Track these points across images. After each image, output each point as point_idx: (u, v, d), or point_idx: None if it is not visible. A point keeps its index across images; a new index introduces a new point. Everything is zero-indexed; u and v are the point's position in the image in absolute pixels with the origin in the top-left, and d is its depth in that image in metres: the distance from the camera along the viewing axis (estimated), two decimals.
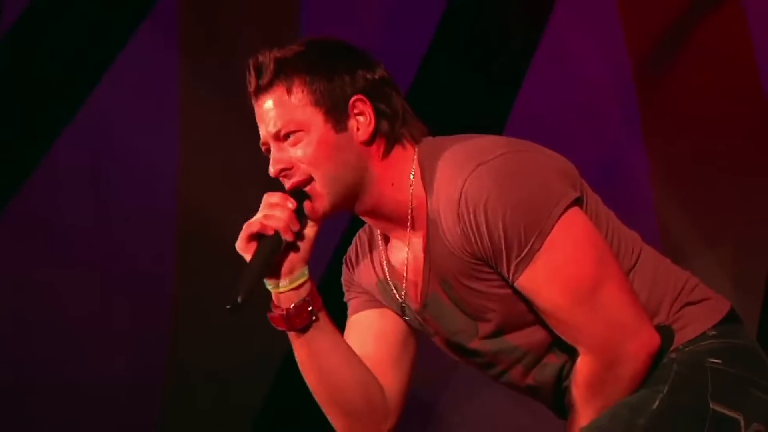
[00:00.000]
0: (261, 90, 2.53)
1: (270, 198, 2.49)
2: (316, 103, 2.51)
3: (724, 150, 5.64)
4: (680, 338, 2.54)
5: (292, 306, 2.52)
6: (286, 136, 2.51)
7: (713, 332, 2.55)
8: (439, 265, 2.53)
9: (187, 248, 5.09)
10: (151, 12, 4.94)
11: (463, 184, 2.44)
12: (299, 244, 2.50)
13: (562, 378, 2.57)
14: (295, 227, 2.48)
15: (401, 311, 2.64)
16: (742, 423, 2.48)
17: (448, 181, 2.47)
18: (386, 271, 2.64)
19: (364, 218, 2.62)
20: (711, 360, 2.52)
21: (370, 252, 2.69)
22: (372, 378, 2.63)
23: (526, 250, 2.42)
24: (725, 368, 2.51)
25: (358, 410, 2.63)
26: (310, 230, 2.52)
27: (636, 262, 2.57)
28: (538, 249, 2.41)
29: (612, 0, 5.69)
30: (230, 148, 5.05)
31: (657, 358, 2.51)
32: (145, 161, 4.99)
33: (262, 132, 2.55)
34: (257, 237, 2.46)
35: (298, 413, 5.23)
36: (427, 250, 2.53)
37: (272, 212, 2.46)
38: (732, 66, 5.73)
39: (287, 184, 2.53)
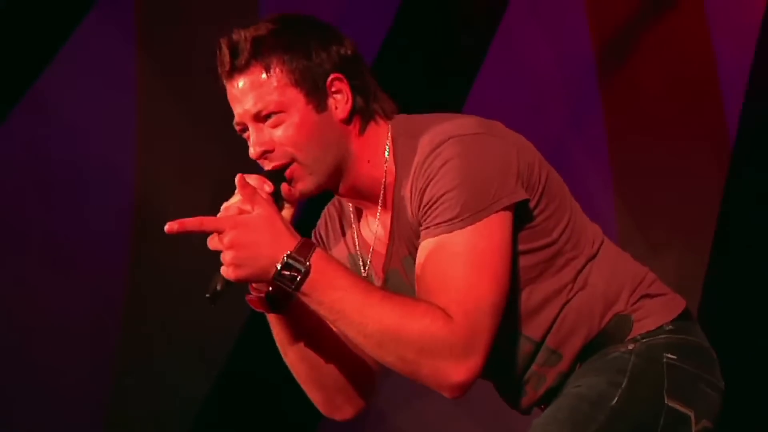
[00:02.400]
0: (236, 70, 2.49)
1: (247, 179, 2.42)
2: (296, 84, 2.48)
3: (681, 145, 5.71)
4: (637, 329, 2.56)
5: (270, 289, 2.50)
6: (266, 117, 2.48)
7: (670, 327, 2.58)
8: (403, 239, 2.53)
9: (142, 240, 5.06)
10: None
11: (433, 151, 2.44)
12: None
13: (526, 365, 2.58)
14: None
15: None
16: (693, 419, 2.51)
17: (422, 151, 2.47)
18: (357, 245, 2.64)
19: (339, 196, 2.61)
20: (667, 355, 2.54)
21: (341, 226, 2.69)
22: (349, 353, 2.63)
23: (454, 220, 2.40)
24: (680, 364, 2.54)
25: (336, 385, 2.64)
26: (286, 212, 2.50)
27: (596, 253, 2.58)
28: (464, 227, 2.40)
29: None
30: (188, 140, 5.02)
31: (609, 344, 2.53)
32: (102, 152, 4.95)
33: (237, 111, 2.51)
34: None
35: (245, 408, 5.24)
36: (393, 222, 2.54)
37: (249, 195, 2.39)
38: (690, 58, 5.78)
39: (267, 166, 2.50)
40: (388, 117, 2.57)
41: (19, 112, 4.81)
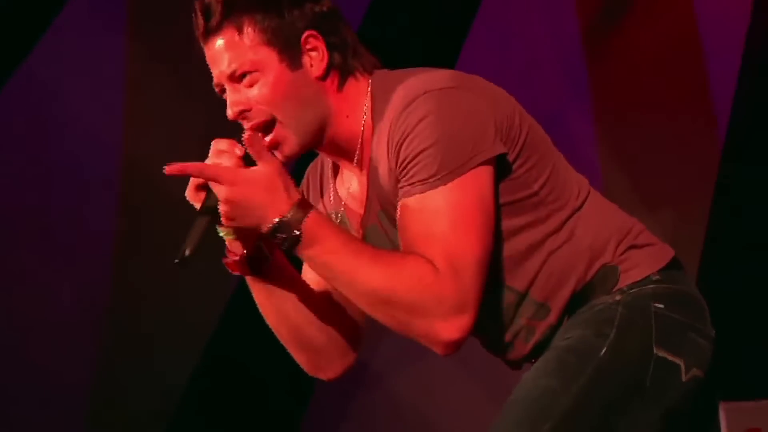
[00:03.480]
0: (210, 32, 2.48)
1: (218, 145, 2.43)
2: (269, 43, 2.47)
3: (665, 120, 5.71)
4: (624, 279, 2.54)
5: (245, 252, 2.49)
6: (241, 76, 2.47)
7: (657, 277, 2.55)
8: (379, 193, 2.52)
9: (130, 211, 5.05)
10: None
11: (407, 106, 2.43)
12: None
13: (512, 317, 2.56)
14: None
15: None
16: (683, 368, 2.49)
17: (395, 105, 2.46)
18: (334, 204, 2.63)
19: (318, 150, 2.59)
20: (655, 304, 2.52)
21: (321, 186, 2.68)
22: (331, 312, 2.62)
23: (433, 178, 2.39)
24: (668, 313, 2.52)
25: (320, 345, 2.63)
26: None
27: (582, 204, 2.57)
28: (443, 184, 2.39)
29: None
30: (175, 112, 5.01)
31: (596, 295, 2.52)
32: (90, 124, 4.94)
33: (214, 73, 2.50)
34: (205, 186, 2.41)
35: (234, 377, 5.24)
36: (369, 177, 2.53)
37: (219, 159, 2.41)
38: (676, 34, 5.78)
39: (246, 125, 2.48)
40: (369, 73, 2.55)
41: (5, 98, 4.81)
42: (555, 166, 2.55)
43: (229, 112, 2.49)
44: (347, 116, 2.52)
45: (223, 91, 2.52)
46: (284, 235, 2.36)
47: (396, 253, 2.43)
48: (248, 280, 2.56)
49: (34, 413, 4.92)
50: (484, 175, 2.41)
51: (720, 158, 5.71)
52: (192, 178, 2.42)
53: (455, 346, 2.40)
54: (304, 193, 2.70)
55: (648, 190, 5.63)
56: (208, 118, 4.57)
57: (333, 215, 2.64)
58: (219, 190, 2.36)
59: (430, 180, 2.39)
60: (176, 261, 2.36)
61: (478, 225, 2.40)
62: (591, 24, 5.78)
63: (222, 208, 2.37)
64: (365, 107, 2.52)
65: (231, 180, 2.36)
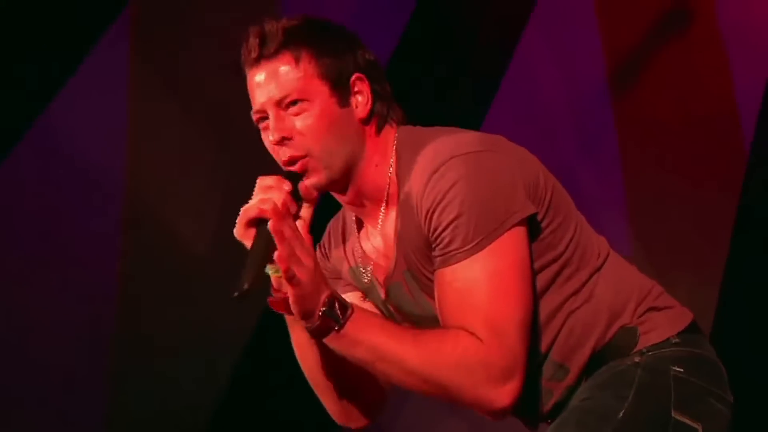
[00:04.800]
0: (264, 57, 2.51)
1: (264, 181, 2.43)
2: (323, 76, 2.50)
3: (696, 172, 5.71)
4: (644, 341, 2.54)
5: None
6: (290, 104, 2.50)
7: (677, 340, 2.55)
8: (406, 254, 2.52)
9: (133, 243, 5.06)
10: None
11: (435, 171, 2.44)
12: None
13: (534, 379, 2.54)
14: (293, 209, 2.43)
15: (371, 297, 2.64)
16: None
17: (423, 168, 2.47)
18: (357, 258, 2.64)
19: (342, 200, 2.60)
20: (674, 368, 2.51)
21: (344, 240, 2.69)
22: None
23: (469, 245, 2.40)
24: (687, 377, 2.51)
25: (352, 395, 2.63)
26: (305, 212, 2.48)
27: (602, 264, 2.57)
28: (479, 251, 2.40)
29: (589, 6, 5.72)
30: (178, 144, 5.02)
31: (615, 357, 2.52)
32: (93, 157, 4.96)
33: (260, 99, 2.51)
34: (255, 222, 2.39)
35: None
36: (397, 237, 2.53)
37: (268, 195, 2.41)
38: (706, 84, 5.78)
39: (284, 155, 2.50)
40: (397, 125, 2.59)
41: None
42: (578, 227, 2.56)
43: (271, 138, 2.50)
44: (376, 165, 2.55)
45: (261, 120, 2.53)
46: (338, 312, 2.37)
47: (436, 330, 2.43)
48: (289, 320, 2.55)
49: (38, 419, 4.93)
50: (518, 235, 2.43)
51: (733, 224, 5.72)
52: (241, 216, 2.40)
53: (507, 412, 2.44)
54: (325, 245, 2.71)
55: (674, 247, 5.63)
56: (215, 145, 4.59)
57: (359, 269, 2.64)
58: (287, 272, 2.34)
59: (466, 248, 2.40)
60: (235, 295, 2.34)
61: (517, 288, 2.41)
62: (618, 76, 5.79)
63: (283, 264, 2.34)
64: (391, 160, 2.55)
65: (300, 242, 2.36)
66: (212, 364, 5.16)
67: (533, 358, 2.50)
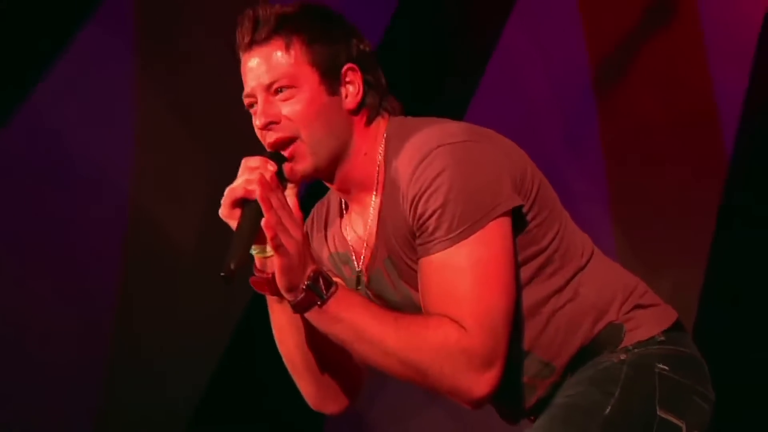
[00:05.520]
0: (256, 42, 2.51)
1: (249, 162, 2.43)
2: (313, 63, 2.50)
3: (677, 166, 5.72)
4: (630, 338, 2.55)
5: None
6: (278, 90, 2.50)
7: (662, 338, 2.57)
8: (387, 241, 2.52)
9: (135, 249, 5.05)
10: (105, 11, 4.90)
11: (422, 160, 2.44)
12: None
13: (516, 375, 2.56)
14: (278, 190, 2.41)
15: (355, 282, 2.63)
16: (685, 430, 2.50)
17: (410, 157, 2.47)
18: (337, 245, 2.64)
19: (331, 186, 2.60)
20: (659, 366, 2.53)
21: (326, 226, 2.70)
22: (342, 350, 2.58)
23: (453, 234, 2.40)
24: (672, 375, 2.53)
25: (328, 378, 2.62)
26: (290, 193, 2.48)
27: (586, 263, 2.58)
28: (463, 239, 2.40)
29: (572, 4, 5.72)
30: (183, 151, 5.02)
31: (600, 353, 2.53)
32: (97, 162, 4.95)
33: (250, 84, 2.52)
34: (241, 203, 2.39)
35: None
36: (379, 224, 2.54)
37: (253, 176, 2.40)
38: (687, 81, 5.80)
39: (270, 138, 2.50)
40: (392, 116, 2.59)
41: (18, 116, 4.81)
42: (562, 224, 2.57)
43: (258, 122, 2.51)
44: (365, 154, 2.54)
45: (252, 105, 2.54)
46: (320, 286, 2.37)
47: (419, 315, 2.43)
48: (270, 301, 2.54)
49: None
50: (503, 226, 2.43)
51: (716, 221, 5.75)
52: (227, 197, 2.40)
53: (485, 401, 2.43)
54: (307, 228, 2.71)
55: (657, 239, 5.65)
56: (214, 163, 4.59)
57: (336, 256, 2.65)
58: (273, 240, 2.35)
59: (450, 236, 2.40)
60: (222, 275, 2.33)
61: (501, 278, 2.41)
62: (601, 70, 5.80)
63: (270, 231, 2.35)
64: (380, 149, 2.55)
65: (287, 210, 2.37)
66: (198, 364, 5.16)
67: (516, 352, 2.51)
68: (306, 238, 2.39)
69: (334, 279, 2.44)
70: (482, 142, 2.48)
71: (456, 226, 2.40)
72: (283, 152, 2.50)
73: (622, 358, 2.52)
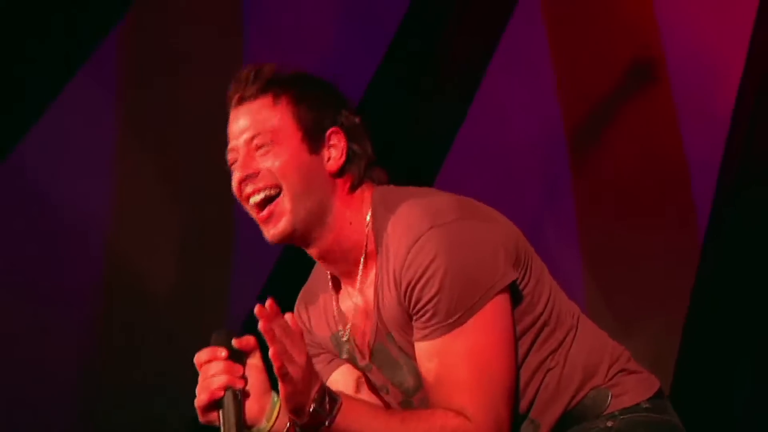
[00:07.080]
0: (245, 99, 2.53)
1: (200, 358, 2.35)
2: (298, 120, 2.52)
3: (651, 224, 5.75)
4: (616, 404, 2.56)
5: (286, 429, 2.42)
6: (259, 146, 2.50)
7: (647, 405, 2.59)
8: (387, 316, 2.52)
9: (113, 293, 5.05)
10: (90, 58, 4.91)
11: (414, 243, 2.44)
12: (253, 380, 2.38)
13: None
14: (238, 372, 2.35)
15: (353, 360, 2.63)
16: None
17: (401, 236, 2.47)
18: (337, 322, 2.62)
19: (318, 258, 2.59)
20: None
21: (322, 307, 2.67)
22: None
23: (451, 320, 2.42)
24: None
25: None
26: (255, 361, 2.38)
27: (576, 324, 2.59)
28: (462, 323, 2.42)
29: (547, 64, 5.77)
30: (162, 197, 5.03)
31: (586, 418, 2.55)
32: (76, 205, 4.95)
33: (234, 138, 2.53)
34: (213, 404, 2.34)
35: None
36: (377, 301, 2.52)
37: (210, 371, 2.34)
38: (659, 141, 5.85)
39: (249, 189, 2.50)
40: (375, 186, 2.59)
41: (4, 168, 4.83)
42: (552, 288, 2.59)
43: (236, 174, 2.51)
44: (350, 223, 2.54)
45: (234, 161, 2.53)
46: (326, 405, 2.37)
47: (423, 411, 2.45)
48: None
49: None
50: (501, 303, 2.45)
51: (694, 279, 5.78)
52: (199, 408, 2.35)
53: None
54: (301, 314, 2.68)
55: (631, 297, 5.67)
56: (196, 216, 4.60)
57: (338, 336, 2.63)
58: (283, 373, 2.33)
59: (449, 322, 2.42)
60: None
61: (502, 360, 2.44)
62: (576, 129, 5.84)
63: (276, 362, 2.31)
64: (368, 219, 2.54)
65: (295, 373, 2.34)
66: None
67: (514, 419, 2.53)
68: (309, 360, 2.36)
69: (340, 372, 2.48)
70: (473, 218, 2.49)
71: (454, 311, 2.42)
72: (260, 213, 2.50)
73: (609, 425, 2.54)
